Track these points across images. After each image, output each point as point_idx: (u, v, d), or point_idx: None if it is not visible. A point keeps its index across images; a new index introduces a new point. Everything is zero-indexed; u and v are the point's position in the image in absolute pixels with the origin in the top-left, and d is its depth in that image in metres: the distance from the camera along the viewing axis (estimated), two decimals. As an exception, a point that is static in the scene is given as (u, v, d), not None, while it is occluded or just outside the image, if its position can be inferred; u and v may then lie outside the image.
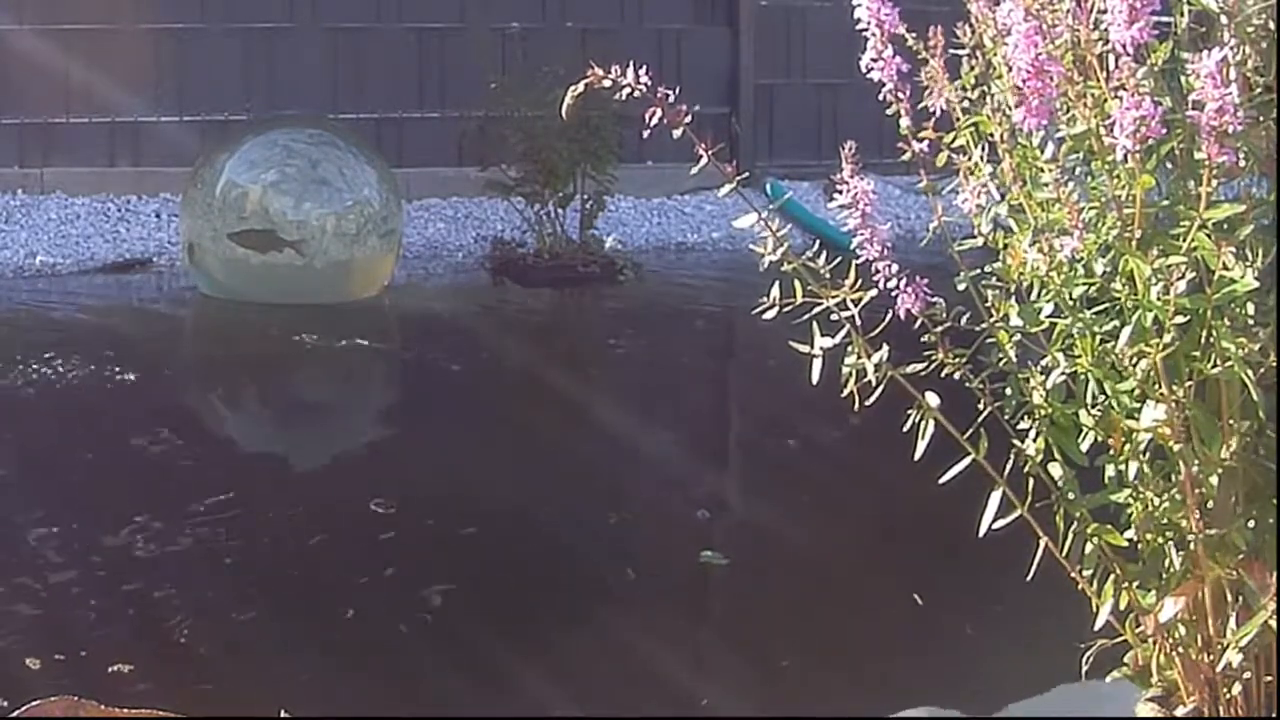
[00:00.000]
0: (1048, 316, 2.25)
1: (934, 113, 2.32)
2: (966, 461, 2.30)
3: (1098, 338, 2.21)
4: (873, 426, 2.45)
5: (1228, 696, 2.33)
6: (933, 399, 2.29)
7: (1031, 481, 2.32)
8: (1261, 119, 2.20)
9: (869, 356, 2.29)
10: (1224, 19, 2.22)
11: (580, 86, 2.24)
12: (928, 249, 2.49)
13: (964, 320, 2.30)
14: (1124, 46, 2.06)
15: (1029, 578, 2.37)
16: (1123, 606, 2.37)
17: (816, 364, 2.27)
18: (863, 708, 2.92)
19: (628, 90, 2.21)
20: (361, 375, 5.44)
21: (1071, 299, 2.21)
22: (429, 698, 2.93)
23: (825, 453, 4.39)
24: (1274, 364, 2.16)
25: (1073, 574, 2.36)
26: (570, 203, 6.67)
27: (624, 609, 3.36)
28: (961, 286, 2.32)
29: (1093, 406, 2.28)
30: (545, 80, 6.23)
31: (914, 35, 2.32)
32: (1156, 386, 2.16)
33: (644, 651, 3.11)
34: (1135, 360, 2.16)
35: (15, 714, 2.44)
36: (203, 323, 6.13)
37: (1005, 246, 2.29)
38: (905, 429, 2.30)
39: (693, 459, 4.49)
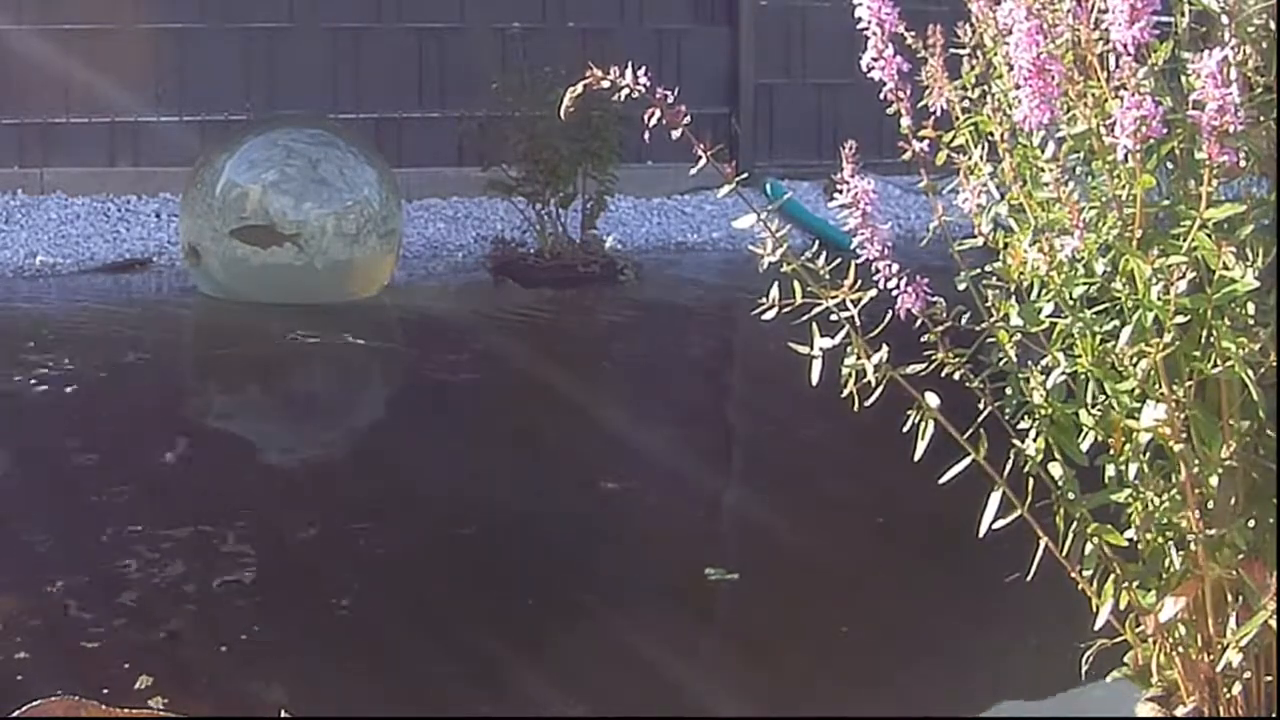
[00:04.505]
0: (1048, 316, 2.25)
1: (934, 112, 2.32)
2: (966, 461, 2.30)
3: (1098, 338, 2.21)
4: (874, 426, 2.44)
5: (1228, 696, 2.33)
6: (932, 399, 2.29)
7: (1031, 481, 2.32)
8: (1262, 119, 2.20)
9: (868, 357, 2.29)
10: (1224, 19, 2.22)
11: (579, 87, 2.24)
12: (928, 249, 2.49)
13: (964, 320, 2.30)
14: (1125, 46, 2.06)
15: (1029, 577, 2.37)
16: (1123, 606, 2.37)
17: (816, 365, 2.28)
18: (864, 709, 2.92)
19: (627, 90, 2.22)
20: (361, 375, 5.44)
21: (1072, 299, 2.21)
22: (429, 698, 2.93)
23: (826, 453, 4.39)
24: (1274, 364, 2.16)
25: (1073, 574, 2.36)
26: (571, 202, 6.67)
27: (626, 614, 3.36)
28: (961, 286, 2.32)
29: (1093, 406, 2.28)
30: (546, 80, 6.23)
31: (914, 35, 2.32)
32: (1156, 386, 2.16)
33: (642, 655, 3.11)
34: (1135, 360, 2.16)
35: (15, 714, 2.44)
36: (203, 323, 6.13)
37: (1005, 246, 2.29)
38: (905, 429, 2.30)
39: (694, 461, 4.48)
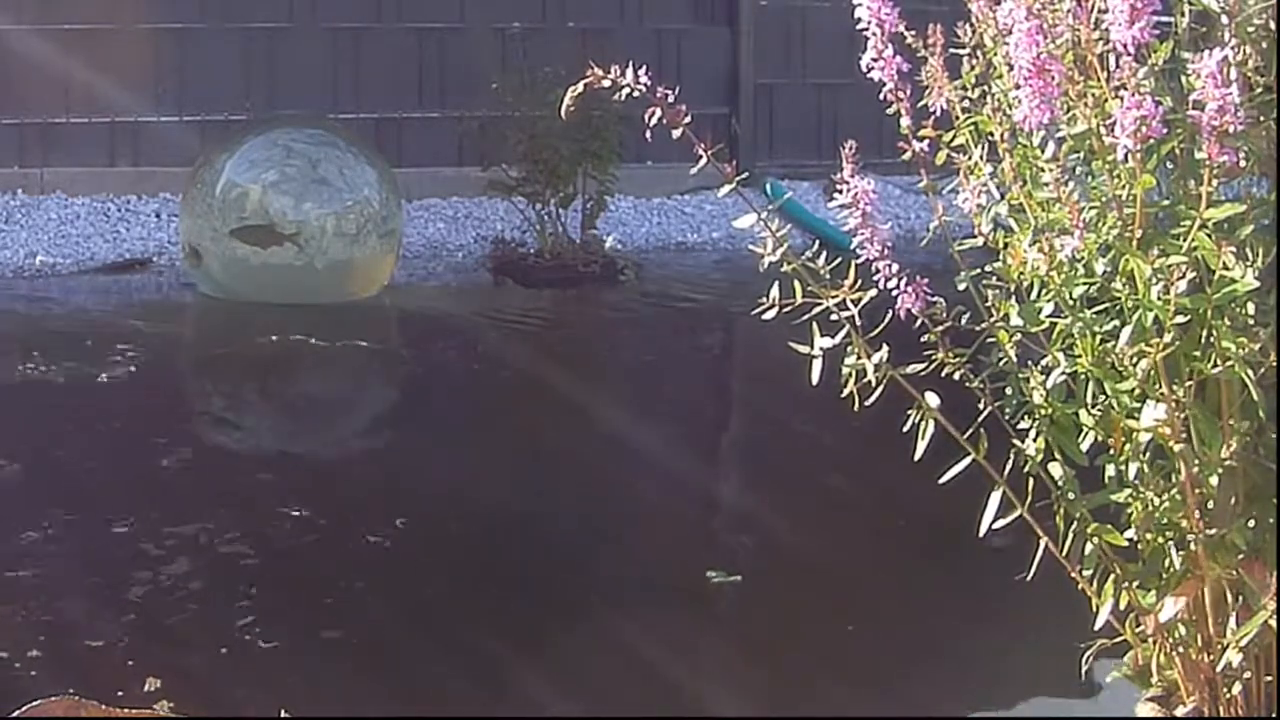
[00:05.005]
0: (1048, 316, 2.25)
1: (934, 112, 2.32)
2: (966, 461, 2.30)
3: (1098, 337, 2.21)
4: (874, 426, 2.44)
5: (1228, 696, 2.33)
6: (932, 399, 2.29)
7: (1031, 481, 2.32)
8: (1262, 119, 2.20)
9: (869, 357, 2.29)
10: (1224, 19, 2.22)
11: (579, 87, 2.24)
12: (928, 249, 2.49)
13: (964, 320, 2.30)
14: (1125, 46, 2.06)
15: (1029, 578, 2.37)
16: (1123, 606, 2.37)
17: (816, 365, 2.28)
18: (864, 709, 2.92)
19: (627, 90, 2.22)
20: (361, 376, 5.44)
21: (1072, 299, 2.21)
22: (429, 698, 2.93)
23: (826, 453, 4.38)
24: (1274, 364, 2.16)
25: (1073, 574, 2.36)
26: (571, 202, 6.67)
27: (626, 614, 3.35)
28: (961, 286, 2.32)
29: (1093, 406, 2.28)
30: (546, 80, 6.23)
31: (914, 35, 2.32)
32: (1156, 386, 2.16)
33: (642, 655, 3.11)
34: (1135, 360, 2.16)
35: (15, 714, 2.44)
36: (202, 323, 6.13)
37: (1005, 246, 2.29)
38: (905, 429, 2.30)
39: (695, 461, 4.48)
